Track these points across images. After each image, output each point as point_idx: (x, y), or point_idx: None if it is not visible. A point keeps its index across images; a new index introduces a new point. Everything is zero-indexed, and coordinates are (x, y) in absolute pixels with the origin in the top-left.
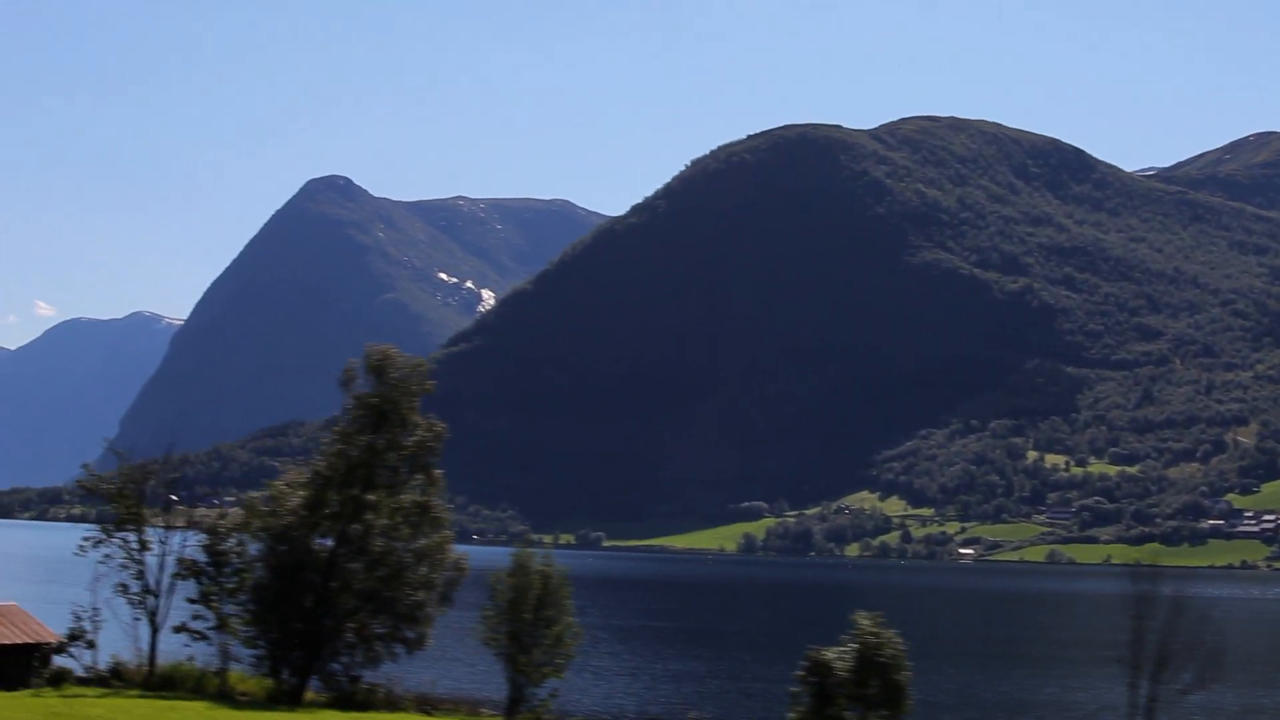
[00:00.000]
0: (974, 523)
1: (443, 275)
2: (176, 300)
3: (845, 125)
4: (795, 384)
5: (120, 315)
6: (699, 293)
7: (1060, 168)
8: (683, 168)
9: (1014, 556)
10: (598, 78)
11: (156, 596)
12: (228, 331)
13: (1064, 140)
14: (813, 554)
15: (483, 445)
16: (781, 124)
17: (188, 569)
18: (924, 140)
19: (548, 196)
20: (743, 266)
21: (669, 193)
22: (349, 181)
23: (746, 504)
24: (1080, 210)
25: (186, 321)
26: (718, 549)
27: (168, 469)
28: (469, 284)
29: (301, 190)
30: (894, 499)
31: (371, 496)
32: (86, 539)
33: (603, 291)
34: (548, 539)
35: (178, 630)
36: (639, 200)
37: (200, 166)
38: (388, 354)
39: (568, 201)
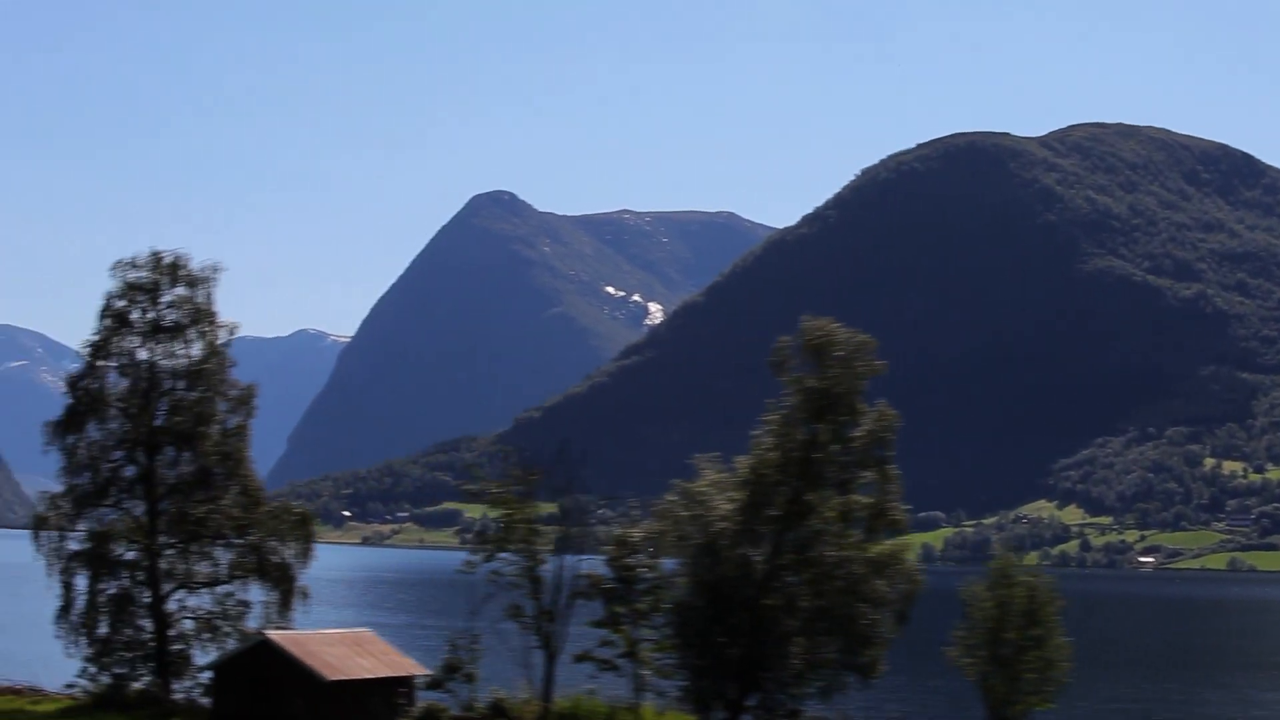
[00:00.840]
0: (1153, 531)
1: (609, 289)
2: (342, 317)
3: (1014, 133)
4: (969, 393)
5: (285, 333)
6: (870, 302)
7: (1230, 173)
8: (853, 177)
9: (1194, 564)
10: (761, 89)
11: (553, 620)
12: (395, 348)
13: (1232, 145)
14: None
15: (658, 457)
16: (950, 132)
17: (592, 588)
18: (1093, 147)
19: (713, 209)
20: (914, 276)
21: (840, 202)
22: (514, 197)
23: (924, 514)
24: (1252, 215)
25: (353, 338)
26: None
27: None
28: (636, 297)
29: (467, 206)
30: (1071, 507)
31: (815, 497)
32: (470, 559)
33: (774, 301)
34: None
35: (580, 659)
36: (803, 211)
37: (366, 183)
38: (829, 331)
39: (733, 213)
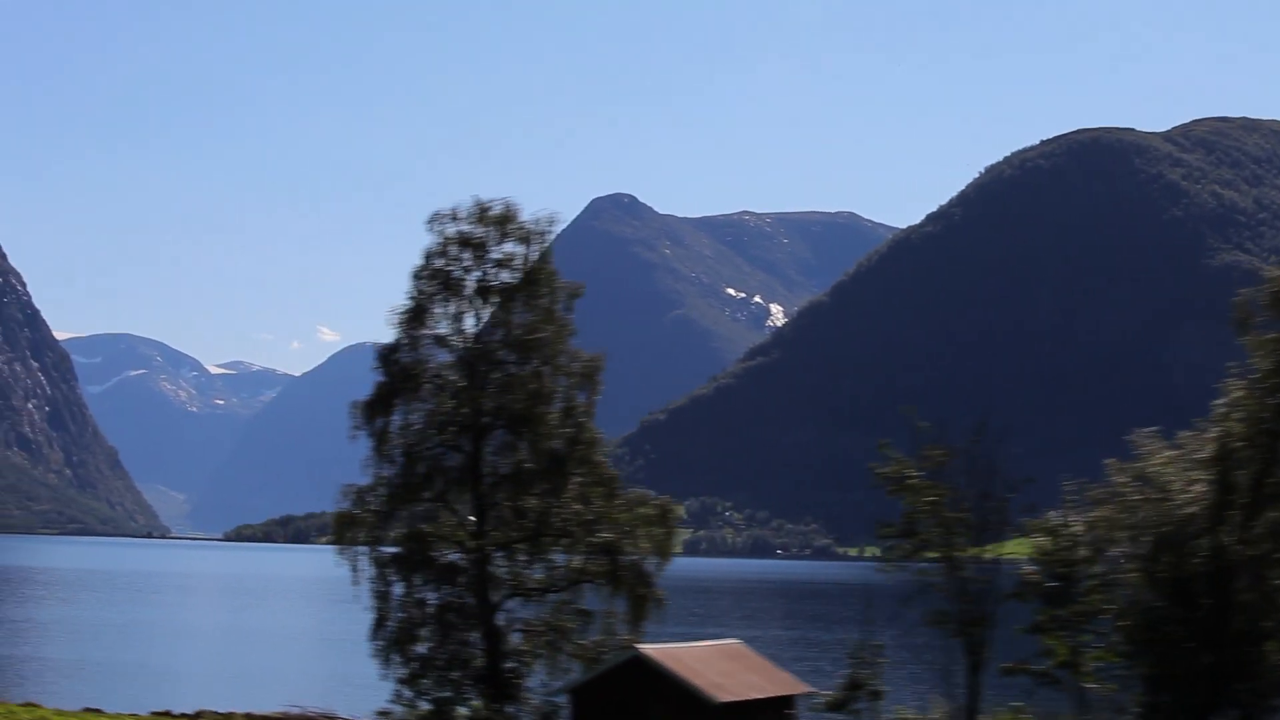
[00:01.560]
0: None
1: (730, 290)
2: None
3: (1138, 128)
4: (1097, 391)
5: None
6: (996, 301)
7: None
8: (976, 175)
9: None
10: (878, 88)
11: (983, 626)
12: None
13: None
14: None
15: (783, 459)
16: (1074, 128)
17: (1028, 588)
18: (1218, 141)
19: (833, 209)
20: (1040, 273)
21: (964, 200)
22: (634, 199)
23: None
24: None
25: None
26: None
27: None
28: (757, 298)
29: (587, 209)
30: None
31: None
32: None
33: (899, 301)
34: (852, 552)
35: (1010, 671)
36: (924, 210)
37: (485, 188)
38: None
39: (853, 213)
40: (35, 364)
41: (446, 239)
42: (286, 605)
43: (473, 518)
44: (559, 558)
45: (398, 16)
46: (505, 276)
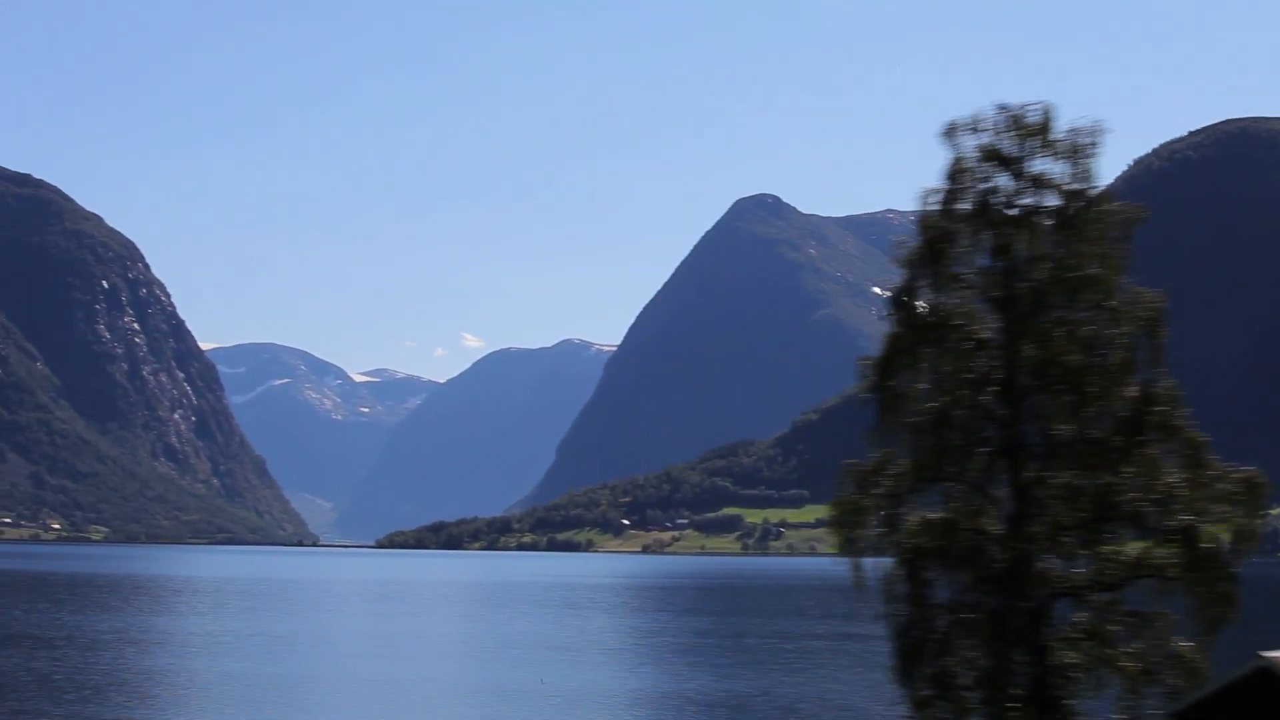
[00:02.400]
0: None
1: (876, 289)
2: (605, 326)
3: None
4: (1249, 387)
5: (549, 344)
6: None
7: None
8: (1125, 167)
9: None
10: (1024, 80)
11: None
12: (662, 354)
13: None
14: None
15: None
16: (1222, 119)
17: None
18: None
19: None
20: (1193, 266)
21: (1112, 193)
22: (778, 199)
23: None
24: None
25: (620, 346)
26: None
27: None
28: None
29: (731, 209)
30: None
31: None
32: None
33: None
34: None
35: None
36: None
37: (629, 191)
38: None
39: None
40: (181, 374)
41: (966, 157)
42: (490, 612)
43: (1012, 501)
44: (1109, 549)
45: (540, 19)
46: (1046, 200)
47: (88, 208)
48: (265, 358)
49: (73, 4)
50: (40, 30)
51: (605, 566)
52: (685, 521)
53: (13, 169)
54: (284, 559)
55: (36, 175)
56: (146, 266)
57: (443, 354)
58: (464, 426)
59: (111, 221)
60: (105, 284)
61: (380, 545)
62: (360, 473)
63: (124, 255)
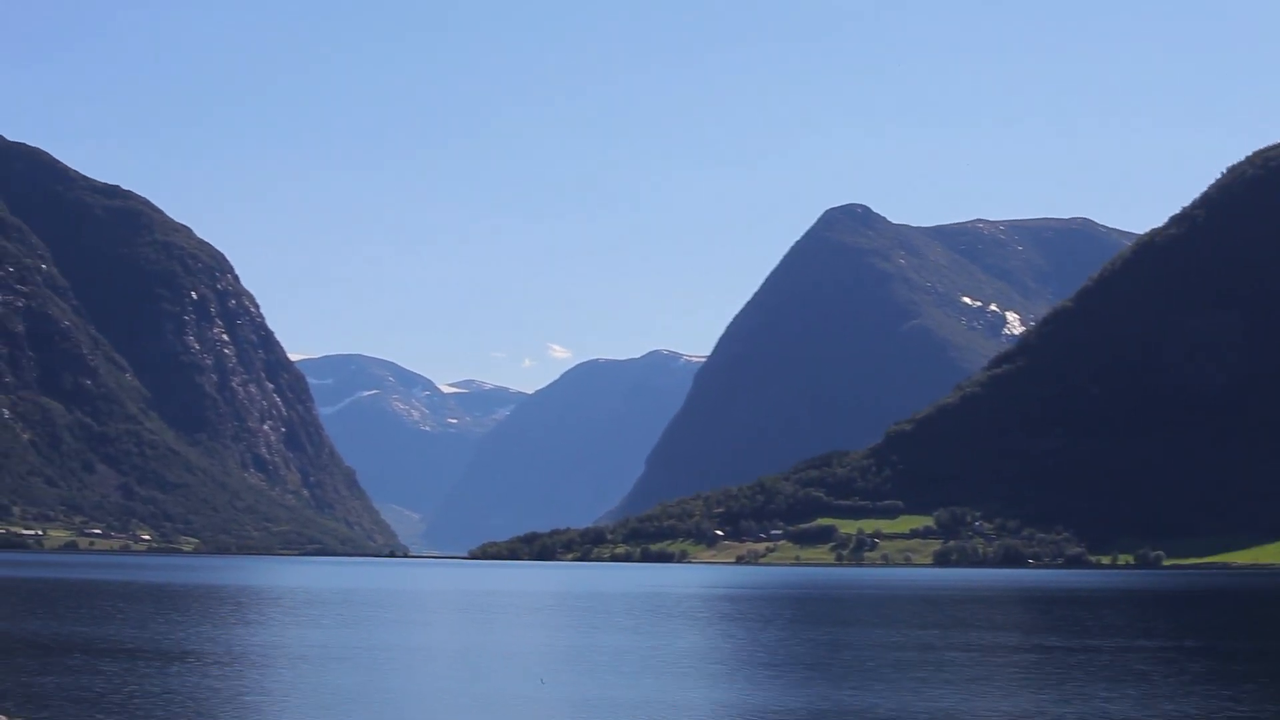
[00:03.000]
0: None
1: (966, 299)
2: (694, 337)
3: None
4: None
5: (637, 355)
6: (1243, 303)
7: None
8: (1218, 175)
9: None
10: (1110, 90)
11: None
12: (753, 365)
13: None
14: None
15: (1032, 467)
16: None
17: None
18: None
19: (1066, 215)
20: None
21: (1206, 202)
22: (867, 209)
23: None
24: None
25: (709, 357)
26: None
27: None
28: (993, 307)
29: (820, 220)
30: None
31: None
32: None
33: (1144, 305)
34: (1105, 560)
35: None
36: (1158, 213)
37: (716, 201)
38: None
39: (1087, 219)
40: (271, 386)
41: None
42: (650, 625)
43: None
44: None
45: (628, 32)
46: None
47: (177, 219)
48: (353, 369)
49: (162, 19)
50: (129, 43)
51: (710, 577)
52: (779, 532)
53: (102, 180)
54: (387, 570)
55: (125, 186)
56: (236, 278)
57: (531, 365)
58: (552, 437)
59: (201, 233)
60: (194, 295)
61: (473, 556)
62: (448, 484)
63: (213, 266)
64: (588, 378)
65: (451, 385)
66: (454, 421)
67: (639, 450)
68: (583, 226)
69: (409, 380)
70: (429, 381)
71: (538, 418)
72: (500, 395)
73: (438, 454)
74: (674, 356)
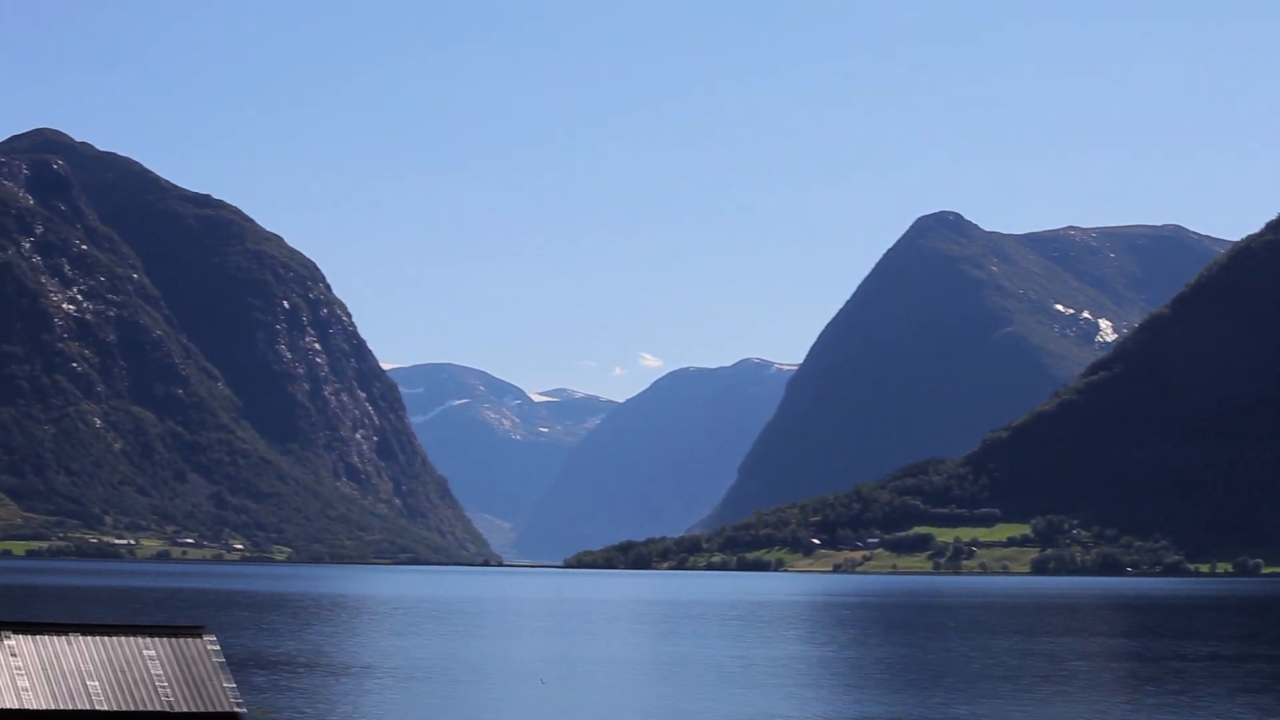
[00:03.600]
0: None
1: (1059, 307)
2: (785, 345)
3: None
4: None
5: (728, 363)
6: None
7: None
8: None
9: None
10: (1206, 98)
11: None
12: (846, 373)
13: None
14: None
15: (1129, 475)
16: None
17: None
18: None
19: (1158, 222)
20: None
21: None
22: (959, 217)
23: None
24: None
25: (802, 365)
26: None
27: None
28: (1085, 314)
29: (912, 227)
30: None
31: None
32: None
33: (1241, 311)
34: (1203, 568)
35: None
36: (1252, 221)
37: (806, 209)
38: None
39: (1179, 226)
40: (363, 394)
41: None
42: (775, 633)
43: None
44: None
45: (720, 40)
46: None
47: (268, 228)
48: (443, 378)
49: (253, 29)
50: (218, 53)
51: (821, 586)
52: (876, 540)
53: (193, 190)
54: (491, 579)
55: (216, 196)
56: (327, 287)
57: (621, 373)
58: (643, 446)
59: (292, 242)
60: (286, 304)
61: (569, 565)
62: (538, 493)
63: (305, 275)
64: (678, 386)
65: (542, 394)
66: (545, 430)
67: (729, 459)
68: (673, 235)
69: (500, 389)
70: (520, 390)
71: (628, 426)
72: (591, 404)
73: (528, 463)
74: (765, 365)
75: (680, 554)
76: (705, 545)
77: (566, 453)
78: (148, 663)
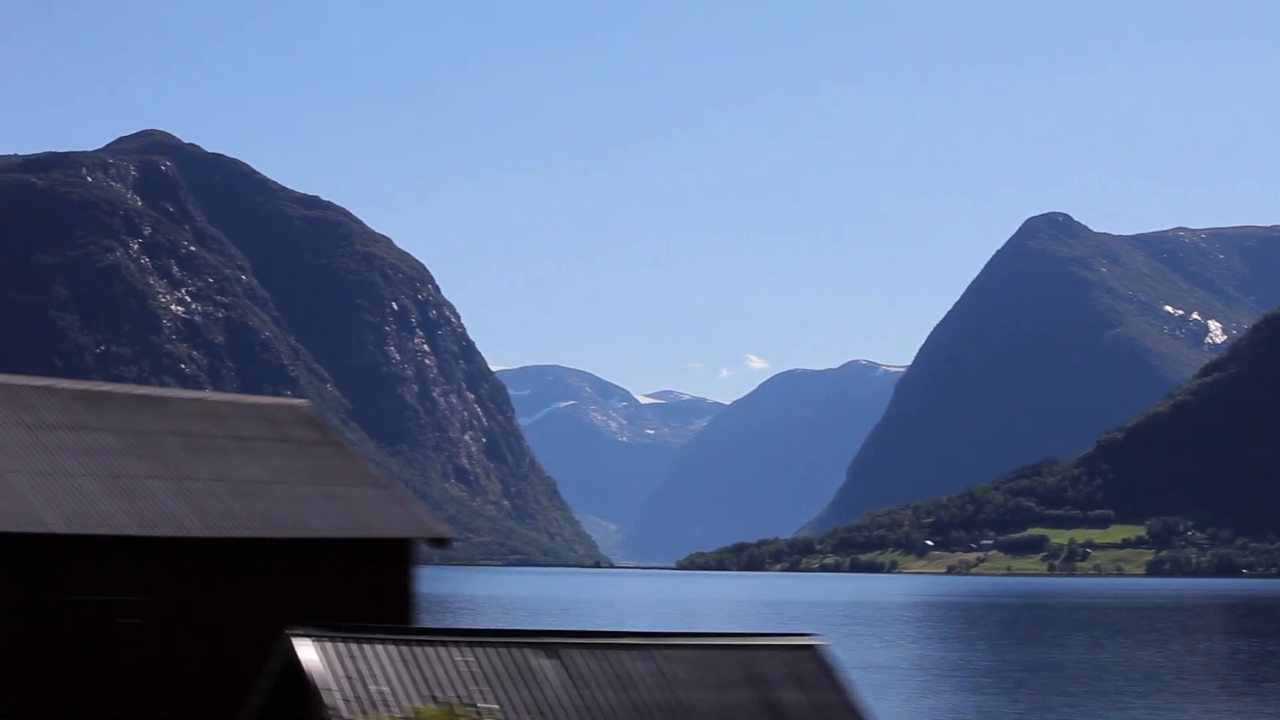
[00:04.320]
0: None
1: (1168, 308)
2: (892, 347)
3: None
4: None
5: (835, 365)
6: None
7: None
8: None
9: None
10: None
11: None
12: (954, 375)
13: None
14: None
15: (1245, 476)
16: None
17: None
18: None
19: (1269, 223)
20: None
21: None
22: (1068, 218)
23: None
24: None
25: (910, 367)
26: None
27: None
28: (1195, 315)
29: (1021, 228)
30: None
31: None
32: None
33: None
34: None
35: None
36: None
37: (916, 211)
38: None
39: None
40: (471, 396)
41: None
42: (998, 635)
43: None
44: None
45: (830, 43)
46: None
47: (377, 229)
48: (550, 380)
49: (363, 31)
50: (330, 56)
51: (948, 587)
52: (990, 542)
53: (301, 191)
54: (620, 581)
55: (325, 197)
56: (436, 288)
57: (728, 375)
58: (750, 448)
59: (401, 243)
60: (395, 306)
61: (681, 567)
62: (645, 495)
63: (414, 277)
64: (785, 388)
65: (649, 396)
66: (651, 432)
67: (837, 460)
68: (780, 236)
69: (606, 391)
70: (626, 392)
71: (735, 428)
72: (697, 406)
73: (635, 464)
74: (872, 366)
75: (793, 555)
76: (818, 546)
77: (673, 454)
78: None
